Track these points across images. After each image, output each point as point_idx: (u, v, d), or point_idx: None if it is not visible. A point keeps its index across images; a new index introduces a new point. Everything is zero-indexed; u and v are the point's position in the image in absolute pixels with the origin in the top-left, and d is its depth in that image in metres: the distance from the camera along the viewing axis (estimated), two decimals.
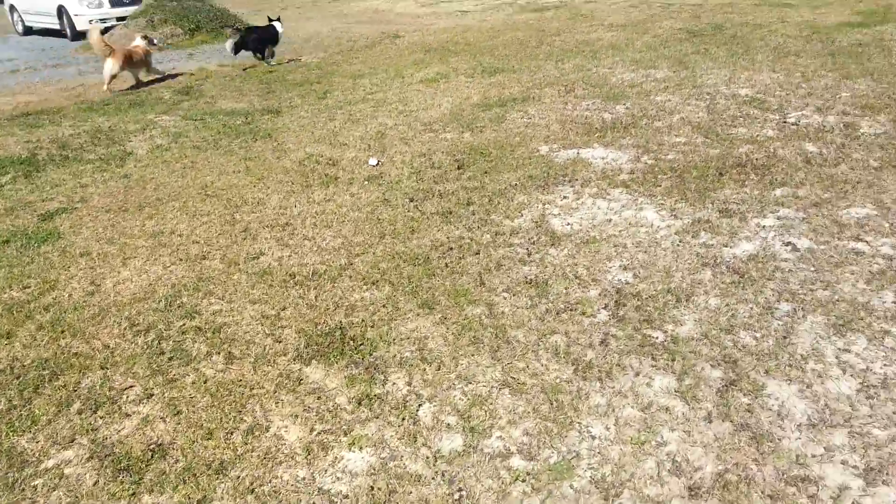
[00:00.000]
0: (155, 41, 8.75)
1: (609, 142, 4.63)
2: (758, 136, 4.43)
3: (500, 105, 5.78)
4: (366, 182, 4.24)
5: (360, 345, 2.44)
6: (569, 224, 3.39)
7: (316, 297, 2.80)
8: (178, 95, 7.29)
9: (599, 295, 2.69)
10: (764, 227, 3.15)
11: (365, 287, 2.87)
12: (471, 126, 5.26)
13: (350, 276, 2.97)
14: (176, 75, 8.52)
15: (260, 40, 8.81)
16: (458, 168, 4.36)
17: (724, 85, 5.59)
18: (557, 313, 2.58)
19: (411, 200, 3.86)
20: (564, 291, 2.74)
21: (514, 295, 2.74)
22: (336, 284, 2.91)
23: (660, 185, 3.80)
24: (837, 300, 2.48)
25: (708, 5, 10.01)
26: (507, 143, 4.77)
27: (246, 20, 12.54)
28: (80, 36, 12.67)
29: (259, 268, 3.11)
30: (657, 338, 2.35)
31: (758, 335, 2.31)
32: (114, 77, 7.68)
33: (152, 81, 8.13)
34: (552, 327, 2.49)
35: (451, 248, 3.20)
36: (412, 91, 6.66)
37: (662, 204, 3.55)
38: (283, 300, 2.79)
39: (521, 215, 3.55)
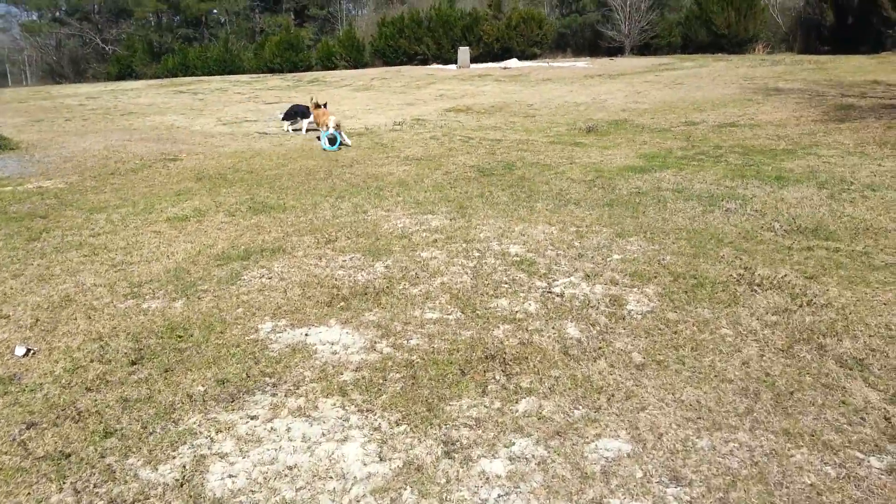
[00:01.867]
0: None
1: (350, 317, 3.76)
2: (518, 311, 3.77)
3: (244, 257, 4.81)
4: None
5: None
6: (232, 477, 2.37)
7: None
8: None
9: None
10: (489, 478, 2.32)
11: None
12: (190, 290, 4.20)
13: None
14: None
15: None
16: (134, 363, 3.25)
17: (497, 240, 5.03)
18: None
19: (28, 427, 2.67)
20: None
21: None
22: None
23: (385, 393, 2.93)
24: None
25: (506, 141, 9.96)
26: (221, 318, 3.76)
27: (14, 137, 10.92)
28: None
29: None
30: None
31: None
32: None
33: None
34: None
35: None
36: (149, 234, 5.53)
37: (377, 428, 2.65)
38: None
39: (174, 457, 2.48)
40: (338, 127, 9.68)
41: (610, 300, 3.87)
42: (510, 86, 19.66)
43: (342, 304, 3.97)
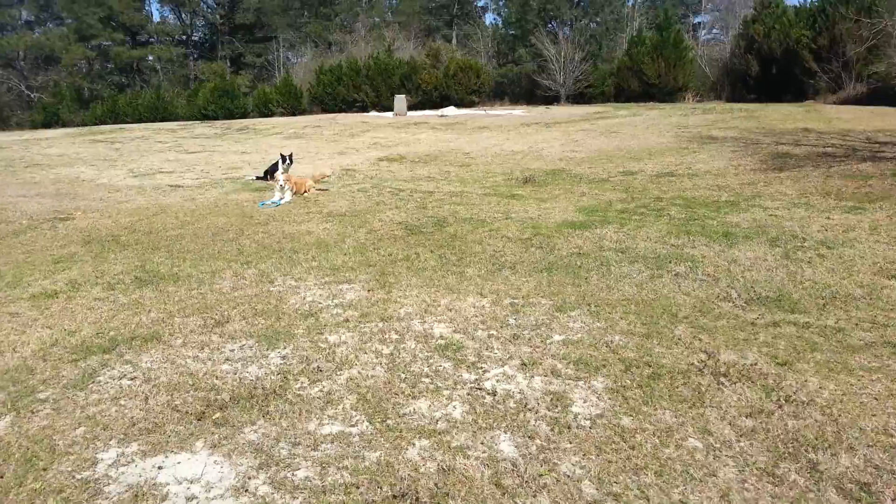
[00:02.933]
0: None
1: (224, 436, 2.93)
2: (439, 418, 3.02)
3: (108, 349, 3.93)
4: None
5: None
6: None
7: None
8: None
9: None
10: None
11: None
12: (25, 400, 3.30)
13: None
14: None
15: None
16: None
17: (420, 317, 4.30)
18: None
19: None
20: None
21: None
22: None
23: None
24: None
25: (439, 193, 9.34)
26: (51, 445, 2.87)
27: None
28: None
29: None
30: None
31: None
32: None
33: None
34: None
35: None
36: (2, 317, 4.59)
37: None
38: None
39: None
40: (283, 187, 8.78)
41: (552, 399, 3.16)
42: (446, 134, 19.26)
43: (218, 415, 3.13)
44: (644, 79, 32.49)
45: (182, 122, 31.70)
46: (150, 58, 57.49)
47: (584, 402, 3.13)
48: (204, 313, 4.51)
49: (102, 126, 31.89)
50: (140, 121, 36.83)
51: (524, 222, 7.17)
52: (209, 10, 58.97)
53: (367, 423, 3.02)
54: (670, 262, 5.34)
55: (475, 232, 6.75)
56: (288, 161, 9.70)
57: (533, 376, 3.42)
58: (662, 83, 32.19)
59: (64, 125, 39.10)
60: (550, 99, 35.91)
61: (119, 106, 40.98)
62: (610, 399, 3.14)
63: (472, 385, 3.35)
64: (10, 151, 17.25)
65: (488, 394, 3.25)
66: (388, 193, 9.42)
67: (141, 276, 5.51)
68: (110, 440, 2.92)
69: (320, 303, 4.68)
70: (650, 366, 3.45)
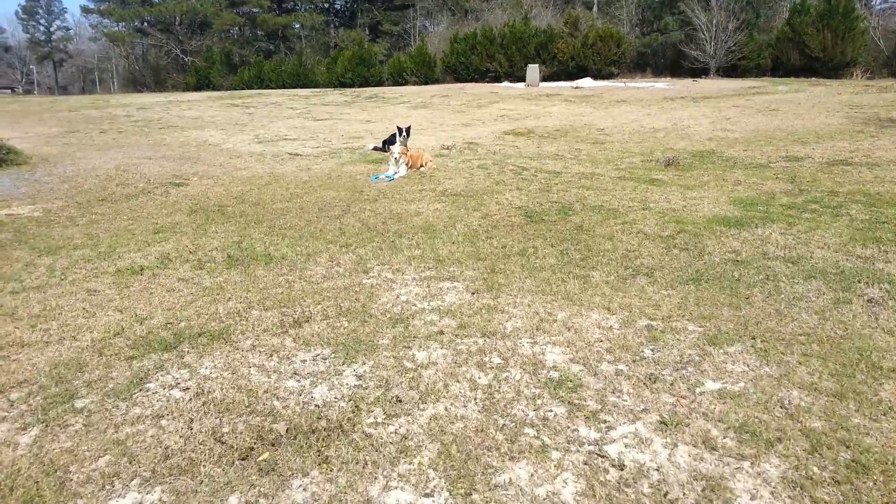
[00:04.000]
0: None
1: (263, 493, 2.31)
2: (538, 498, 2.22)
3: (171, 346, 3.44)
4: None
5: None
6: None
7: None
8: None
9: None
10: None
11: None
12: (60, 407, 2.86)
13: None
14: None
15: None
16: None
17: (530, 335, 3.48)
18: None
19: None
20: None
21: None
22: None
23: None
24: None
25: (566, 174, 8.36)
26: (63, 479, 2.37)
27: (33, 150, 10.10)
28: None
29: None
30: None
31: None
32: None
33: None
34: None
35: None
36: (82, 293, 4.26)
37: None
38: None
39: None
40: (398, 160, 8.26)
41: (704, 488, 2.26)
42: (580, 107, 17.99)
43: (266, 456, 2.50)
44: (806, 51, 29.09)
45: (317, 89, 32.31)
46: (296, 25, 59.39)
47: (753, 498, 2.21)
48: (284, 307, 3.95)
49: (243, 91, 33.16)
50: (283, 86, 38.00)
51: (665, 214, 6.09)
52: None
53: (447, 494, 2.28)
54: (859, 282, 4.16)
55: (605, 224, 5.78)
56: (405, 134, 9.06)
57: (676, 444, 2.51)
58: (827, 57, 28.67)
59: (214, 88, 41.14)
60: (698, 71, 33.15)
61: (264, 72, 42.54)
62: (790, 499, 2.19)
63: (592, 448, 2.51)
64: (152, 112, 17.99)
65: (613, 466, 2.40)
66: (509, 172, 8.58)
67: (234, 255, 5.07)
68: (132, 480, 2.36)
69: (414, 304, 3.97)
70: (848, 447, 2.44)
